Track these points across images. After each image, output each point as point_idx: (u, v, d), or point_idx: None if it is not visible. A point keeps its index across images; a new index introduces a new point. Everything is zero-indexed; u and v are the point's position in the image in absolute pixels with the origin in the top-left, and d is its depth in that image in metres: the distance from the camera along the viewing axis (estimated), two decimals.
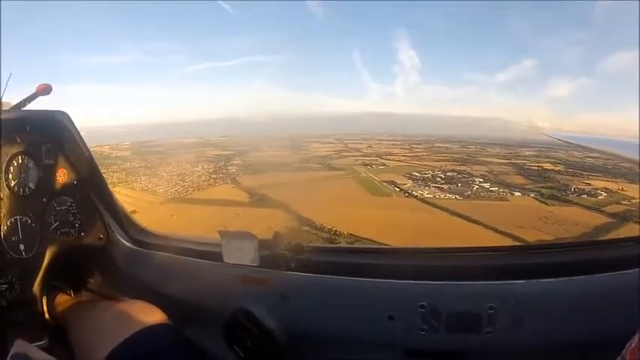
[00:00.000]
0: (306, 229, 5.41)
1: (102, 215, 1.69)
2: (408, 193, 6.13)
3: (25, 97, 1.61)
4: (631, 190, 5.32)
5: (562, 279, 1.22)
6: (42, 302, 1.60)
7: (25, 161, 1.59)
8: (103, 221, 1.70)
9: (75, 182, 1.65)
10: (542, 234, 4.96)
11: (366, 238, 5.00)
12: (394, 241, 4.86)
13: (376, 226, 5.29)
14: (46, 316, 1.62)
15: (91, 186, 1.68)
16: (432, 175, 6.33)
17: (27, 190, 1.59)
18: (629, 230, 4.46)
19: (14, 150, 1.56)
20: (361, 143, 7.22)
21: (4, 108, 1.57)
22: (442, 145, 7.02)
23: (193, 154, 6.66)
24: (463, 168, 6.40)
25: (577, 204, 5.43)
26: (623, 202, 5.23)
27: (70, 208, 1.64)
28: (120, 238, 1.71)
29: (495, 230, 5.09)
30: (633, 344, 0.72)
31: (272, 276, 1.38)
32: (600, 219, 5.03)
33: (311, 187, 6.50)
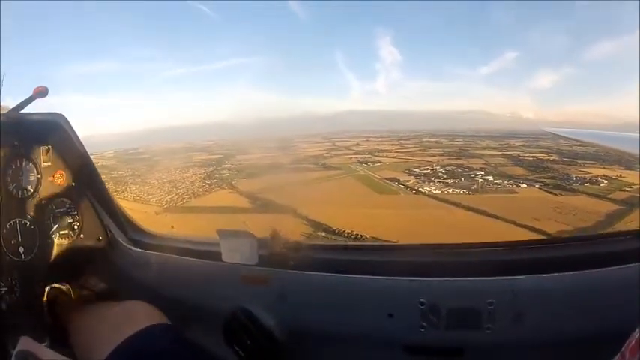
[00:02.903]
0: (323, 234, 5.24)
1: (101, 217, 1.70)
2: (415, 190, 6.01)
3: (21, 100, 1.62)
4: (629, 176, 5.33)
5: (562, 274, 1.22)
6: (42, 304, 1.60)
7: (24, 164, 1.59)
8: (101, 223, 1.70)
9: (73, 184, 1.66)
10: (561, 225, 4.88)
11: (389, 240, 4.90)
12: (416, 240, 4.80)
13: (394, 226, 5.18)
14: (47, 318, 1.62)
15: (89, 188, 1.68)
16: (433, 171, 6.24)
17: (25, 192, 1.59)
18: (626, 205, 4.42)
19: (12, 153, 1.56)
20: (349, 141, 7.12)
21: (2, 111, 1.58)
22: (431, 139, 6.92)
23: (181, 160, 6.44)
24: (461, 162, 6.33)
25: (583, 193, 5.40)
26: (626, 189, 5.25)
27: (69, 210, 1.65)
28: (119, 239, 1.72)
29: (515, 224, 5.02)
30: (633, 341, 0.71)
31: (271, 275, 1.38)
32: (610, 206, 5.02)
33: (313, 189, 6.36)
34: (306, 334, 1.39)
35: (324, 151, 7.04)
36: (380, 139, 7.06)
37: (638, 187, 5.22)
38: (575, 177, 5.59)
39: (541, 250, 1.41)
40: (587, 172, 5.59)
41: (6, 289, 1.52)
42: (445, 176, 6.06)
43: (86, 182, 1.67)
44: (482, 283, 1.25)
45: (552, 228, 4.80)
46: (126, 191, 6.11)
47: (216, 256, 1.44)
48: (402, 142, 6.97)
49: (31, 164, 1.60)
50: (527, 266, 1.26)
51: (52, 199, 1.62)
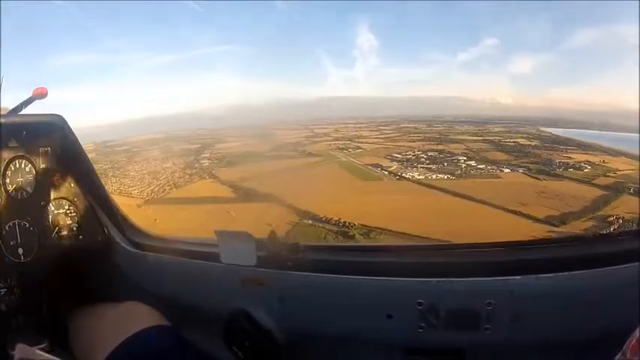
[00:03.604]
0: (310, 222, 5.11)
1: (100, 218, 1.70)
2: (399, 175, 5.83)
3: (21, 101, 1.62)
4: (612, 162, 5.26)
5: (561, 274, 1.21)
6: (41, 306, 1.61)
7: (22, 165, 1.59)
8: (100, 224, 1.70)
9: (72, 185, 1.66)
10: (547, 209, 4.85)
11: (378, 228, 4.75)
12: (405, 227, 4.69)
13: (382, 213, 5.04)
14: (46, 319, 1.62)
15: (88, 188, 1.68)
16: (415, 156, 6.08)
17: (24, 194, 1.59)
18: (625, 203, 4.39)
19: (11, 154, 1.56)
20: (327, 128, 6.88)
21: (0, 112, 1.58)
22: (409, 125, 6.68)
23: (160, 151, 6.27)
24: (442, 147, 6.19)
25: (567, 178, 5.34)
26: (610, 174, 5.17)
27: (68, 211, 1.65)
28: (118, 240, 1.71)
29: (503, 209, 4.99)
30: (634, 340, 0.71)
31: (270, 276, 1.38)
32: (594, 192, 4.97)
33: (295, 176, 6.07)
34: (304, 335, 1.39)
35: (303, 137, 6.86)
36: (358, 125, 6.90)
37: (624, 172, 5.25)
38: (559, 162, 5.54)
39: (540, 250, 1.40)
40: (570, 158, 5.55)
41: (5, 290, 1.53)
42: (428, 161, 5.91)
43: (85, 183, 1.67)
44: (481, 284, 1.25)
45: (540, 213, 4.77)
46: (107, 184, 5.95)
47: (215, 257, 1.44)
48: (381, 127, 6.81)
49: (29, 165, 1.60)
50: (526, 267, 1.25)
51: (50, 200, 1.62)
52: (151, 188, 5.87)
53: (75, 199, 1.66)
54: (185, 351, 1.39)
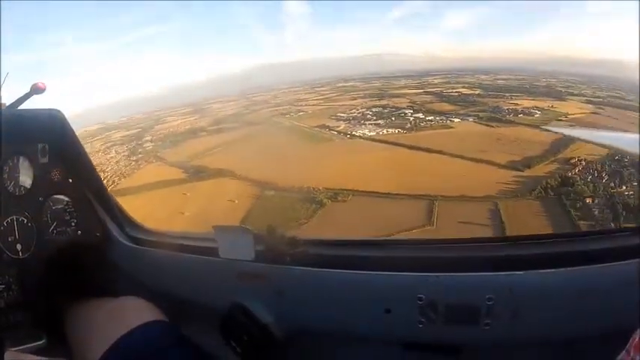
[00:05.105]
0: (272, 193, 4.97)
1: (98, 213, 1.70)
2: (350, 134, 5.74)
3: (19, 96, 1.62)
4: (561, 106, 5.36)
5: (562, 269, 1.19)
6: (40, 302, 1.61)
7: (20, 161, 1.59)
8: (99, 219, 1.70)
9: (70, 180, 1.65)
10: (508, 155, 4.86)
11: (344, 189, 4.72)
12: (372, 185, 4.68)
13: (344, 173, 5.03)
14: (44, 315, 1.62)
15: (86, 184, 1.68)
16: (361, 114, 5.91)
17: (22, 189, 1.59)
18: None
19: (9, 150, 1.56)
20: (264, 95, 6.70)
21: None
22: (346, 84, 6.58)
23: (100, 142, 5.96)
24: (385, 102, 6.04)
25: (520, 124, 5.33)
26: (562, 118, 5.27)
27: (66, 207, 1.65)
28: (116, 235, 1.71)
29: (464, 157, 4.96)
30: (637, 338, 0.70)
31: (268, 270, 1.37)
32: (551, 136, 5.03)
33: (242, 146, 5.94)
34: (303, 329, 1.38)
35: (242, 107, 6.67)
36: (294, 89, 6.75)
37: (576, 115, 5.27)
38: (507, 109, 5.52)
39: (542, 245, 1.38)
40: (517, 104, 5.55)
41: (3, 286, 1.53)
42: (375, 117, 5.79)
43: (83, 179, 1.67)
44: (481, 279, 1.23)
45: (501, 159, 4.79)
46: None
47: (213, 252, 1.43)
48: (317, 89, 6.66)
49: (28, 161, 1.60)
50: (527, 262, 1.23)
51: (49, 195, 1.62)
52: None
53: (73, 195, 1.65)
54: (183, 346, 1.39)
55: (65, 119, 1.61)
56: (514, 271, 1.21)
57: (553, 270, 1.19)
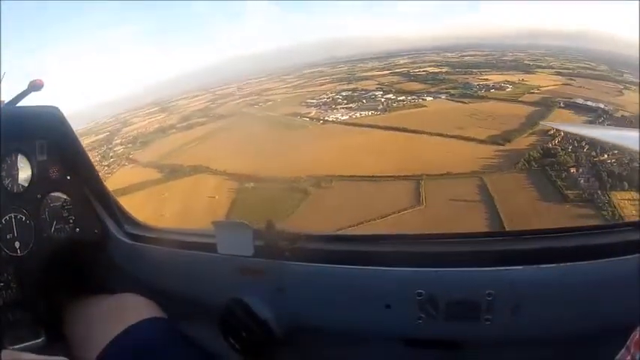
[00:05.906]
0: (252, 185, 4.86)
1: (96, 210, 1.69)
2: (322, 119, 5.69)
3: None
4: (532, 79, 5.35)
5: (563, 264, 1.19)
6: (38, 299, 1.60)
7: (19, 158, 1.59)
8: (97, 216, 1.70)
9: (68, 178, 1.65)
10: (486, 130, 4.88)
11: (327, 176, 4.68)
12: (353, 170, 4.65)
13: (324, 159, 4.98)
14: (43, 313, 1.61)
15: (84, 181, 1.68)
16: (331, 98, 5.84)
17: (21, 187, 1.58)
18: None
19: (7, 147, 1.56)
20: (229, 87, 6.60)
21: None
22: (311, 70, 6.45)
23: None
24: (353, 86, 5.98)
25: (492, 99, 5.34)
26: (534, 91, 5.26)
27: (65, 204, 1.64)
28: (115, 232, 1.71)
29: (442, 135, 4.95)
30: (638, 334, 0.69)
31: (267, 266, 1.37)
32: (525, 109, 5.03)
33: (214, 140, 5.83)
34: (302, 325, 1.38)
35: (209, 101, 6.53)
36: (260, 80, 6.65)
37: (547, 87, 5.24)
38: (478, 85, 5.51)
39: (542, 240, 1.38)
40: (487, 79, 5.54)
41: (2, 284, 1.52)
42: (345, 101, 5.75)
43: (81, 176, 1.67)
44: (480, 274, 1.23)
45: (480, 134, 4.79)
46: None
47: (211, 248, 1.43)
48: (283, 77, 6.52)
49: (26, 158, 1.59)
50: (527, 257, 1.23)
51: (47, 193, 1.61)
52: None
53: (71, 192, 1.65)
54: (181, 342, 1.39)
55: (64, 116, 1.60)
56: (514, 266, 1.20)
57: (553, 265, 1.18)
